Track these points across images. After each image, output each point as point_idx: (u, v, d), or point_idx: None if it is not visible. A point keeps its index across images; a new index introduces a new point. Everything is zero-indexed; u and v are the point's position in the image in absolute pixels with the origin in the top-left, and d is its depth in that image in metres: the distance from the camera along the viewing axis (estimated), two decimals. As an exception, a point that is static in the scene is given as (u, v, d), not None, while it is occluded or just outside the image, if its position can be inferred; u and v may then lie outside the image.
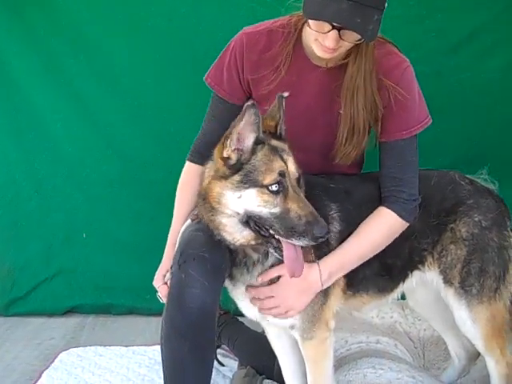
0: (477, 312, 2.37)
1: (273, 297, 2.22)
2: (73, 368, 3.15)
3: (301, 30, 2.34)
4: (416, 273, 2.44)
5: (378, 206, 2.36)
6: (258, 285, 2.23)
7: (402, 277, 2.44)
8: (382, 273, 2.39)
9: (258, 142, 2.06)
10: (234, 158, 2.06)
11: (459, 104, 3.32)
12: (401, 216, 2.33)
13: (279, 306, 2.23)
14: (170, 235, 2.51)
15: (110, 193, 3.74)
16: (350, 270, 2.30)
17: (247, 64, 2.38)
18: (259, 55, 2.37)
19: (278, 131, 2.16)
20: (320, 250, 2.25)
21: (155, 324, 3.24)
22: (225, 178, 2.06)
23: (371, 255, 2.32)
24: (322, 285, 2.24)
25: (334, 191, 2.35)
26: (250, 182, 2.02)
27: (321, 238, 1.98)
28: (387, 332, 3.14)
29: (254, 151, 2.05)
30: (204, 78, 2.45)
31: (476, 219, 2.38)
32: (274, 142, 2.11)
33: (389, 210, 2.34)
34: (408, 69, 2.32)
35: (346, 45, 2.16)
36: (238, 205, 2.04)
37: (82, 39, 3.56)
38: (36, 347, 3.48)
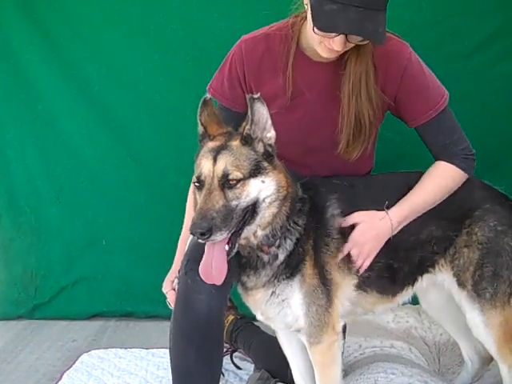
0: (490, 316, 2.34)
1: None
2: (93, 369, 3.21)
3: (299, 31, 2.35)
4: (426, 276, 2.43)
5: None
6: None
7: (411, 281, 2.42)
8: (385, 274, 2.37)
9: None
10: None
11: (475, 108, 3.29)
12: (461, 168, 2.37)
13: (361, 253, 2.27)
14: (179, 242, 2.56)
15: (130, 199, 3.79)
16: (416, 216, 2.33)
17: (248, 70, 2.41)
18: (259, 60, 2.40)
19: (244, 132, 2.11)
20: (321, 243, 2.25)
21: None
22: None
23: (434, 203, 2.34)
24: (392, 232, 2.30)
25: (334, 184, 2.36)
26: None
27: (196, 234, 1.94)
28: (402, 336, 3.11)
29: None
30: (207, 88, 2.48)
31: (491, 224, 2.36)
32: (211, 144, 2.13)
33: (448, 163, 2.37)
34: (412, 54, 2.34)
35: (352, 45, 2.18)
36: None
37: (100, 46, 3.63)
38: (59, 349, 3.54)
